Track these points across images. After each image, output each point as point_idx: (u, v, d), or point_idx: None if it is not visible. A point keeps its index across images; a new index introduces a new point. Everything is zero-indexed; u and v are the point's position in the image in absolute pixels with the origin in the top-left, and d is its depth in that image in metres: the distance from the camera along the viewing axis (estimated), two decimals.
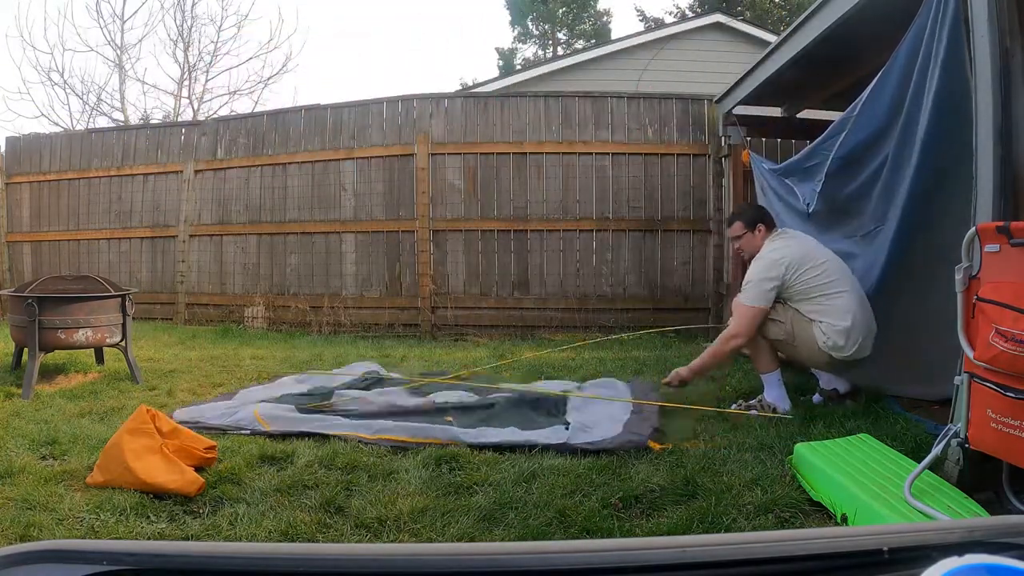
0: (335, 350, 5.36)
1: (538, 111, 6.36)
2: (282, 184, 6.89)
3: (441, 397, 3.55)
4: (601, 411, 3.19)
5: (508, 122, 6.40)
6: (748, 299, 3.20)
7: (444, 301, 6.38)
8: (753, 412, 3.11)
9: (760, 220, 3.43)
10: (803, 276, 3.14)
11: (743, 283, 3.33)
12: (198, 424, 3.04)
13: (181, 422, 3.10)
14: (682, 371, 3.25)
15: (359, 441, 2.79)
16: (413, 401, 3.51)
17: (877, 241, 3.30)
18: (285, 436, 2.90)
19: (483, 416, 3.20)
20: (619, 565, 0.45)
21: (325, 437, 2.87)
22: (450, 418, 3.20)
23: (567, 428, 2.95)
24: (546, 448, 2.68)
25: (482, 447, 2.72)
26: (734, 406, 3.18)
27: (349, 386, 3.85)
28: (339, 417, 3.15)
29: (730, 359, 3.62)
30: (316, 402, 3.44)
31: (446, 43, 41.30)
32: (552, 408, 3.34)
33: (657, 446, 2.69)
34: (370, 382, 4.00)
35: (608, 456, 2.58)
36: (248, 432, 2.98)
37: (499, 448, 2.71)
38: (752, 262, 3.32)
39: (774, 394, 3.22)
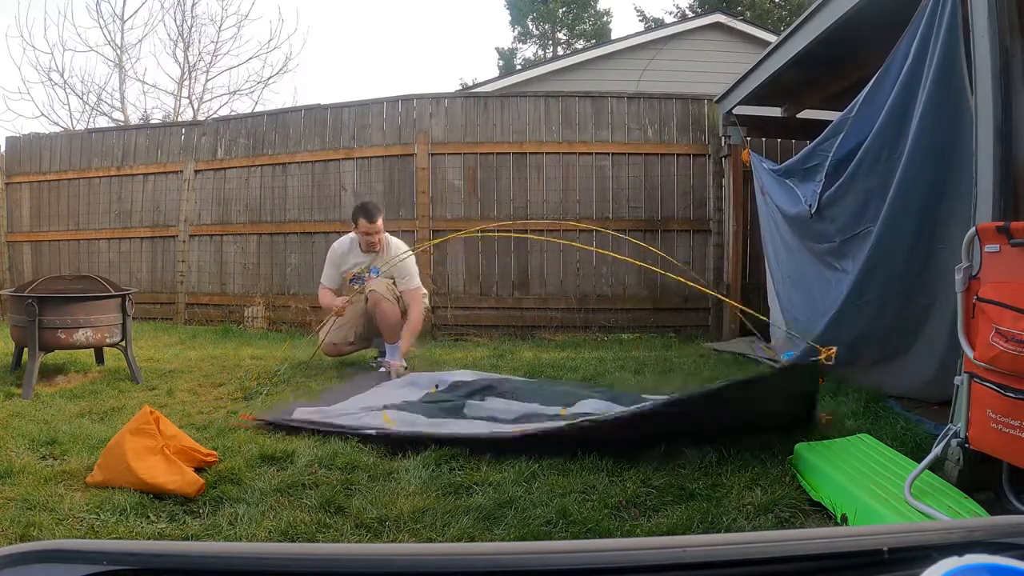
0: None
1: (538, 111, 6.36)
2: (282, 184, 6.89)
3: (584, 407, 3.21)
4: None
5: (508, 122, 6.40)
6: (416, 284, 4.43)
7: (444, 301, 6.38)
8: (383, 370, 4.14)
9: None
10: None
11: (408, 276, 4.40)
12: (323, 424, 2.93)
13: (302, 421, 2.96)
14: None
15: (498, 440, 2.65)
16: (552, 410, 3.21)
17: (870, 241, 3.30)
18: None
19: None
20: (619, 565, 0.45)
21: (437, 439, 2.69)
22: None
23: None
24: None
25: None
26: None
27: (471, 393, 3.55)
28: (480, 421, 3.02)
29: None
30: (447, 409, 3.23)
31: (446, 43, 41.30)
32: None
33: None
34: (486, 387, 3.67)
35: (608, 456, 2.57)
36: (375, 432, 2.82)
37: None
38: (402, 256, 4.36)
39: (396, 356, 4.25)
